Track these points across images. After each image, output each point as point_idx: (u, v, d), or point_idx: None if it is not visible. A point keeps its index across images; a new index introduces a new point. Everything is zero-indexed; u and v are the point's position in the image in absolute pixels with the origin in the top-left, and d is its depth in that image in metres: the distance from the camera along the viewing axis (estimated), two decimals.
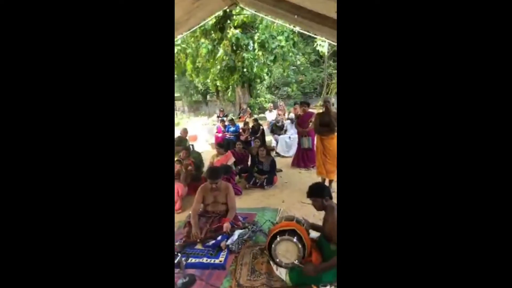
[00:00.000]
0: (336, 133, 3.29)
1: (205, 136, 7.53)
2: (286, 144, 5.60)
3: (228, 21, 6.03)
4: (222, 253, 2.27)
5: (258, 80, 9.86)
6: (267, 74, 9.22)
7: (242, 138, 5.66)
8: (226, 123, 6.31)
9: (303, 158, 4.65)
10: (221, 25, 5.13)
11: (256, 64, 7.70)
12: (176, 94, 13.47)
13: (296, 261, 1.84)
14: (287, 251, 1.87)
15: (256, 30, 8.02)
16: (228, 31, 7.04)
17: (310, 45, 11.60)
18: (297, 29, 6.36)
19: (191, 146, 5.04)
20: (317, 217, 2.77)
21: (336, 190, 3.47)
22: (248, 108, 8.99)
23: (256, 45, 7.80)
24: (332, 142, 3.32)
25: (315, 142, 4.03)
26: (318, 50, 6.68)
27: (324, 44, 5.48)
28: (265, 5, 4.15)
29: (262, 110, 10.43)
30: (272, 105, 7.70)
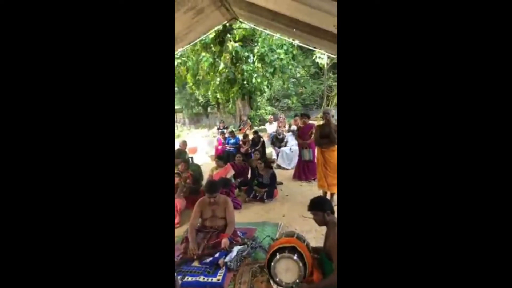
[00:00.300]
0: (336, 145, 3.24)
1: (205, 148, 7.49)
2: (287, 156, 5.54)
3: (228, 35, 6.15)
4: (220, 271, 2.18)
5: (259, 93, 9.95)
6: (267, 86, 9.32)
7: (242, 150, 5.61)
8: (226, 135, 6.29)
9: (304, 171, 4.58)
10: (220, 38, 5.23)
11: (255, 75, 7.77)
12: (177, 107, 13.57)
13: (297, 280, 1.75)
14: (287, 269, 1.79)
15: (255, 44, 8.16)
16: (228, 44, 7.17)
17: (310, 58, 11.76)
18: (296, 42, 6.46)
19: (190, 159, 4.99)
20: (319, 232, 2.68)
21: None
22: (249, 120, 9.01)
23: (255, 58, 7.92)
24: (333, 154, 3.26)
25: (315, 154, 3.98)
26: (317, 63, 6.76)
27: (323, 57, 5.53)
28: (263, 19, 4.22)
29: (263, 122, 10.44)
30: (272, 117, 7.71)
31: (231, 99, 9.65)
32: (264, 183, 3.94)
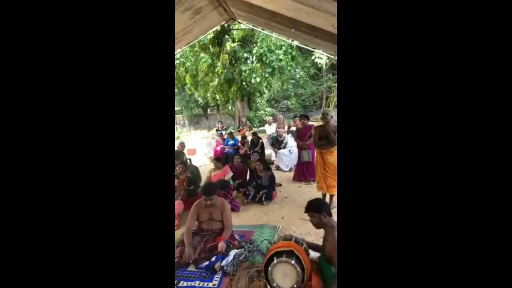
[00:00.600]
0: (336, 147, 3.19)
1: (204, 150, 7.45)
2: (286, 157, 5.49)
3: (226, 36, 6.13)
4: (216, 276, 2.12)
5: (258, 94, 9.90)
6: (266, 87, 9.27)
7: (241, 151, 5.56)
8: (225, 137, 6.24)
9: (303, 172, 4.54)
10: (219, 39, 5.20)
11: (254, 76, 7.74)
12: (176, 108, 13.53)
13: (295, 286, 1.70)
14: (285, 274, 1.73)
15: (254, 45, 8.13)
16: (226, 45, 7.13)
17: (309, 59, 11.75)
18: (295, 43, 6.43)
19: (188, 160, 4.94)
20: (318, 235, 2.63)
21: (337, 206, 3.34)
22: (248, 121, 8.96)
23: (254, 58, 7.88)
24: (332, 155, 3.22)
25: (315, 155, 3.93)
26: (317, 63, 6.73)
27: (323, 57, 5.49)
28: (261, 19, 4.18)
29: (262, 123, 10.41)
30: (271, 118, 7.67)
31: (230, 100, 9.61)
32: (263, 184, 3.89)
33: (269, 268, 1.75)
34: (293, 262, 1.70)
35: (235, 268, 2.19)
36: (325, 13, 2.98)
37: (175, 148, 4.96)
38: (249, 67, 8.02)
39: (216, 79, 8.19)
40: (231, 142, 6.05)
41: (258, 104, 11.28)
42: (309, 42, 5.04)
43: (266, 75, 7.84)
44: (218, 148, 6.09)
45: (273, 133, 6.46)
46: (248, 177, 4.36)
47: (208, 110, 14.63)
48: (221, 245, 2.31)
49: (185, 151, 5.41)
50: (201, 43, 7.65)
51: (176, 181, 3.54)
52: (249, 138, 6.01)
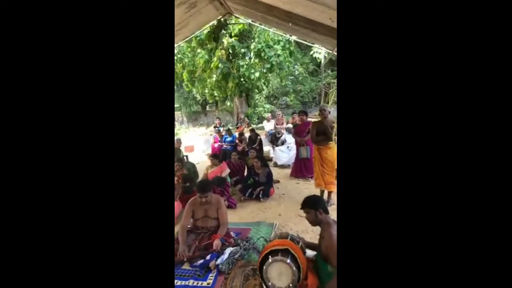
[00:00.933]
0: (333, 142, 3.13)
1: (202, 147, 7.39)
2: (284, 154, 5.44)
3: (223, 31, 6.02)
4: (210, 274, 2.08)
5: (256, 90, 9.81)
6: (265, 84, 9.18)
7: (239, 148, 5.51)
8: (223, 133, 6.18)
9: (301, 169, 4.49)
10: (215, 34, 5.09)
11: (252, 71, 7.64)
12: (174, 105, 13.45)
13: (291, 285, 1.65)
14: (280, 273, 1.69)
15: (252, 40, 8.02)
16: (223, 40, 7.02)
17: (308, 55, 11.64)
18: (293, 38, 6.33)
19: (184, 157, 4.88)
20: (315, 232, 2.59)
21: (335, 203, 3.30)
22: (246, 118, 8.88)
23: (252, 54, 7.78)
24: (330, 151, 3.16)
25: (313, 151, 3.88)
26: (315, 58, 6.64)
27: (321, 52, 5.41)
28: (258, 13, 4.10)
29: (261, 120, 10.34)
30: (270, 115, 7.59)
31: (228, 96, 9.52)
32: (260, 181, 3.84)
33: (264, 267, 1.70)
34: (288, 261, 1.66)
35: (230, 266, 2.14)
36: (323, 6, 2.91)
37: None
38: (247, 63, 7.92)
39: (214, 75, 8.09)
40: (228, 139, 5.99)
41: (256, 101, 11.18)
42: (307, 36, 4.96)
43: (265, 71, 7.74)
44: (216, 145, 6.03)
45: (271, 130, 6.40)
46: (245, 174, 4.31)
47: (207, 107, 14.55)
48: (216, 243, 2.27)
49: (182, 148, 5.35)
50: (198, 38, 7.54)
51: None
52: (247, 135, 5.96)
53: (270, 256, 1.71)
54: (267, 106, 11.78)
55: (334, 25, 3.41)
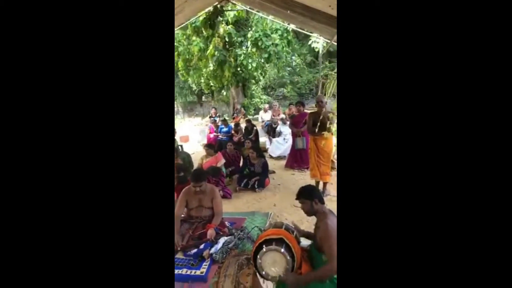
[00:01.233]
0: (330, 133, 3.10)
1: (197, 137, 7.32)
2: (280, 145, 5.41)
3: (220, 18, 5.85)
4: (204, 263, 2.07)
5: (253, 80, 9.68)
6: (262, 74, 9.04)
7: (235, 139, 5.46)
8: (219, 124, 6.11)
9: (296, 159, 4.48)
10: (211, 21, 4.94)
11: (250, 61, 7.49)
12: None
13: (284, 274, 1.64)
14: (274, 262, 1.67)
15: (249, 28, 7.85)
16: (220, 27, 6.84)
17: (305, 45, 11.49)
18: (291, 27, 6.20)
19: (179, 147, 4.82)
20: (310, 222, 2.59)
21: (330, 193, 3.30)
22: (242, 109, 8.79)
23: (249, 43, 7.61)
24: (326, 142, 3.13)
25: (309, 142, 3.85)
26: (313, 48, 6.53)
27: (319, 41, 5.31)
28: (256, 0, 3.98)
29: (258, 111, 10.26)
30: (267, 106, 7.52)
31: (224, 86, 9.38)
32: (256, 172, 3.82)
33: (258, 256, 1.68)
34: (282, 250, 1.64)
35: (224, 255, 2.13)
36: None
37: None
38: (244, 52, 7.77)
39: (210, 64, 7.92)
40: (224, 129, 5.93)
41: (253, 91, 11.07)
42: (305, 25, 4.85)
43: (262, 61, 7.60)
44: (211, 135, 5.97)
45: (268, 121, 6.35)
46: (241, 164, 4.29)
47: (203, 97, 14.38)
48: (210, 233, 2.25)
49: (177, 138, 5.29)
50: (193, 25, 7.34)
51: None
52: (243, 125, 5.90)
53: (264, 245, 1.69)
54: (264, 97, 11.69)
55: (334, 12, 3.32)
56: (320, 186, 3.32)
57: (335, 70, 12.50)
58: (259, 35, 7.31)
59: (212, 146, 4.27)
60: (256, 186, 3.69)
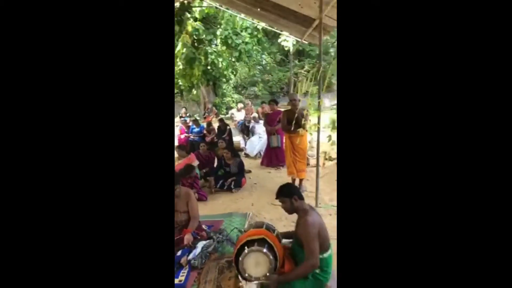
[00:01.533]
0: (305, 130, 3.14)
1: None
2: (256, 143, 5.38)
3: (187, 14, 5.64)
4: (182, 271, 1.96)
5: (224, 79, 9.54)
6: (233, 73, 8.94)
7: (207, 139, 5.31)
8: (190, 124, 5.90)
9: (272, 157, 4.49)
10: (178, 17, 4.74)
11: (220, 59, 7.35)
12: None
13: (268, 274, 1.61)
14: (256, 263, 1.64)
15: (218, 26, 7.70)
16: (187, 24, 6.59)
17: (275, 44, 11.61)
18: (261, 25, 6.18)
19: None
20: (289, 219, 2.60)
21: (307, 189, 3.35)
22: (214, 108, 8.62)
23: (219, 41, 7.47)
24: (302, 139, 3.17)
25: (284, 140, 3.88)
26: (283, 47, 6.58)
27: (289, 40, 5.38)
28: None
29: (229, 110, 10.14)
30: (241, 105, 7.44)
31: (194, 85, 9.11)
32: (232, 172, 3.75)
33: (240, 258, 1.63)
34: (265, 250, 1.61)
35: (203, 260, 2.04)
36: None
37: None
38: (215, 50, 7.60)
39: (179, 63, 7.62)
40: (196, 129, 5.74)
41: (224, 90, 10.92)
42: (275, 23, 4.87)
43: (233, 59, 7.51)
44: (182, 136, 5.75)
45: (241, 120, 6.29)
46: (215, 165, 4.18)
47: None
48: (187, 238, 2.14)
49: None
50: None
51: None
52: (216, 125, 5.77)
53: (246, 247, 1.64)
54: (236, 96, 11.60)
55: (303, 11, 3.37)
56: (297, 183, 3.36)
57: (305, 68, 12.84)
58: (229, 33, 7.20)
59: (184, 147, 4.10)
60: (232, 187, 3.62)
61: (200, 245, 2.14)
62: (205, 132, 5.61)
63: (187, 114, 6.93)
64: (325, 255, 1.64)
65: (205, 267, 2.00)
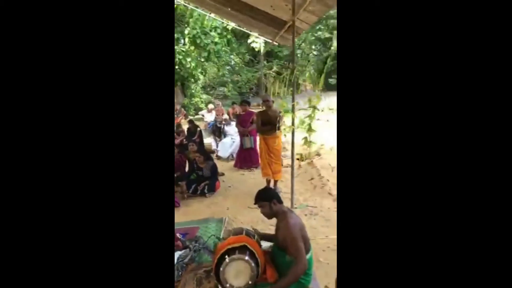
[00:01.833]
0: (279, 132, 3.16)
1: None
2: (229, 145, 5.29)
3: None
4: None
5: (192, 79, 9.25)
6: (201, 73, 8.72)
7: (176, 142, 5.09)
8: None
9: (245, 159, 4.46)
10: None
11: (189, 59, 7.11)
12: None
13: (250, 282, 1.57)
14: (238, 272, 1.58)
15: (186, 25, 7.44)
16: None
17: (244, 44, 11.59)
18: (231, 25, 6.11)
19: None
20: (267, 223, 2.58)
21: (282, 191, 3.37)
22: (183, 109, 8.32)
23: (187, 40, 7.22)
24: (277, 140, 3.18)
25: (257, 141, 3.86)
26: (253, 48, 6.59)
27: (258, 41, 5.39)
28: None
29: (198, 111, 9.87)
30: (211, 106, 7.28)
31: None
32: (205, 176, 3.63)
33: (221, 268, 1.56)
34: (247, 257, 1.56)
35: (180, 272, 1.93)
36: None
37: None
38: (183, 49, 7.32)
39: None
40: None
41: (192, 91, 10.60)
42: (246, 24, 4.84)
43: (202, 60, 7.31)
44: None
45: (212, 121, 6.15)
46: (187, 169, 4.02)
47: None
48: None
49: None
50: None
51: None
52: (185, 127, 5.56)
53: (227, 256, 1.58)
54: (204, 96, 11.33)
55: (275, 13, 3.38)
56: (271, 185, 3.36)
57: (273, 69, 13.02)
58: (197, 32, 6.99)
59: None
60: (206, 191, 3.51)
61: (176, 255, 2.02)
62: (174, 134, 5.38)
63: None
64: (307, 256, 1.64)
65: (182, 279, 1.89)
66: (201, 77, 9.58)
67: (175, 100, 9.40)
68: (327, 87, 12.91)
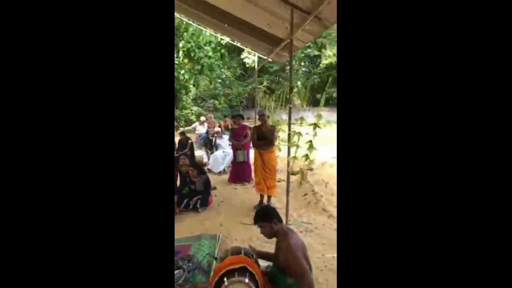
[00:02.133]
0: (275, 146, 3.16)
1: None
2: (221, 159, 5.22)
3: None
4: None
5: (184, 91, 9.23)
6: (193, 85, 8.72)
7: None
8: None
9: (239, 173, 4.40)
10: None
11: (182, 72, 7.12)
12: None
13: None
14: None
15: (181, 38, 7.50)
16: None
17: (235, 59, 11.78)
18: (226, 39, 6.21)
19: None
20: (262, 239, 2.52)
21: (276, 206, 3.33)
22: (174, 121, 8.22)
23: (181, 53, 7.25)
24: (272, 156, 3.17)
25: (251, 156, 3.84)
26: (244, 63, 6.70)
27: (251, 57, 5.49)
28: (193, 10, 3.81)
29: (188, 123, 9.78)
30: (203, 118, 7.24)
31: None
32: (197, 190, 3.54)
33: None
34: (247, 280, 1.50)
35: None
36: (262, 10, 2.90)
37: None
38: (176, 62, 7.34)
39: None
40: None
41: (184, 103, 10.55)
42: (241, 39, 4.93)
43: (195, 72, 7.34)
44: None
45: (203, 134, 6.10)
46: (178, 183, 3.91)
47: None
48: None
49: None
50: None
51: None
52: (177, 139, 5.47)
53: (225, 278, 1.51)
54: (195, 108, 11.29)
55: (271, 30, 3.47)
56: (264, 200, 3.32)
57: (264, 84, 13.23)
58: (192, 45, 7.05)
59: None
60: (198, 206, 3.41)
61: None
62: None
63: None
64: None
65: None
66: (193, 89, 9.59)
67: None
68: (313, 103, 13.27)
